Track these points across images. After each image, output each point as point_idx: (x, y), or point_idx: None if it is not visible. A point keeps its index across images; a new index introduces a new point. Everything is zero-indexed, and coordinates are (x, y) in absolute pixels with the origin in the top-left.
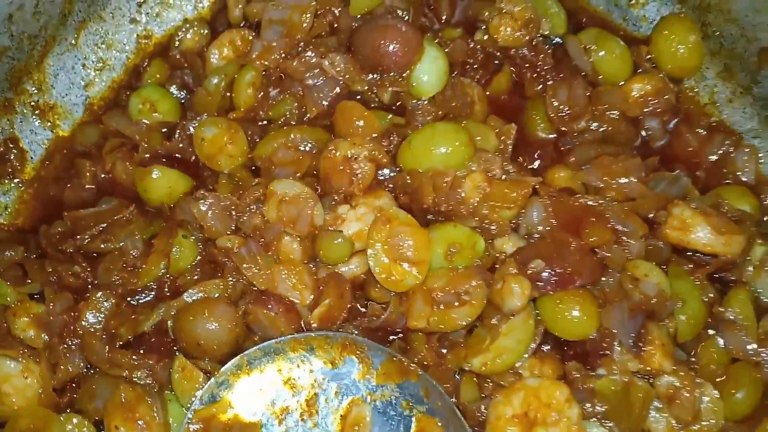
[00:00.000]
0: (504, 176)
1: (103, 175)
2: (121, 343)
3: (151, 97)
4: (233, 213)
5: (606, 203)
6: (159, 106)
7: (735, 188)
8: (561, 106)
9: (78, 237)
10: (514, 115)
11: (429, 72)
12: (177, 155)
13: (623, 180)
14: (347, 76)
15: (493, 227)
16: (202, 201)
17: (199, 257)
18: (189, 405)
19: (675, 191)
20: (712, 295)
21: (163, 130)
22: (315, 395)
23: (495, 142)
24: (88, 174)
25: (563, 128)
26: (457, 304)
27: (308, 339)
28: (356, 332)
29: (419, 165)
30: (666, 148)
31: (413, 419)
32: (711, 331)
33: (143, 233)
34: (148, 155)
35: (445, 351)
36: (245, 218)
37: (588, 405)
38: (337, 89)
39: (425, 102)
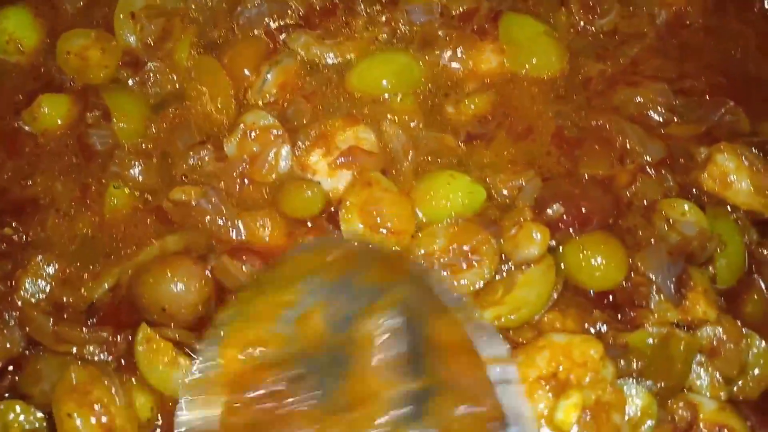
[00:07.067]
0: None
1: None
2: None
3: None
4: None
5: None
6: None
7: None
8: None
9: None
10: None
11: None
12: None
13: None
14: None
15: None
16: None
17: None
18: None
19: (718, 119)
20: (755, 237)
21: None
22: None
23: None
24: None
25: (588, 26)
26: (465, 266)
27: None
28: None
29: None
30: None
31: None
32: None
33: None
34: None
35: None
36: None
37: (622, 362)
38: None
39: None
